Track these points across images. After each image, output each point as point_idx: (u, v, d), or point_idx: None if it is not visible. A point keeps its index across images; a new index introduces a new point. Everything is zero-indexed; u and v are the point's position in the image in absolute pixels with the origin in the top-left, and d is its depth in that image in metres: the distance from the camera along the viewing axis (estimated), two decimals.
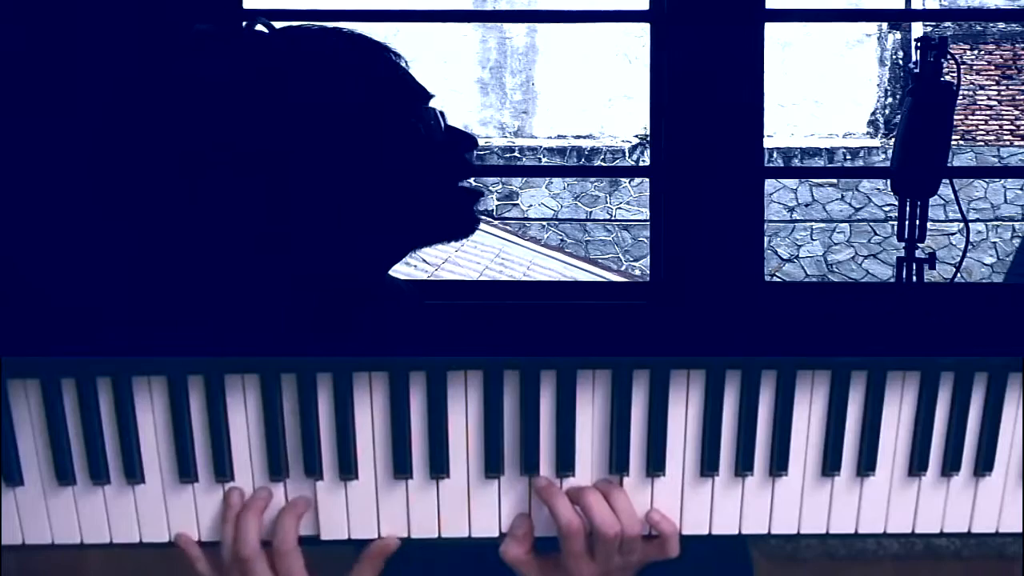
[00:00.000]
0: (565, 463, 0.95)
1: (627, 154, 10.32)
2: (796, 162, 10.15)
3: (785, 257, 10.41)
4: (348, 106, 0.97)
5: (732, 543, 0.99)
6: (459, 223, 1.03)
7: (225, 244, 0.97)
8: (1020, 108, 10.43)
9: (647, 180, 2.16)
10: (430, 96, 1.02)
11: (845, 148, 10.34)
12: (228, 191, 0.95)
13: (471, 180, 1.04)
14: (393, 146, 0.98)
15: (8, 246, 1.85)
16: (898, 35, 10.40)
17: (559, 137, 10.45)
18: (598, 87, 10.32)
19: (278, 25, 1.02)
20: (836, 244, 10.41)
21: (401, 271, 1.10)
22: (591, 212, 10.41)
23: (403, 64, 1.02)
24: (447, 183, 1.02)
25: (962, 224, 9.72)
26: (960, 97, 2.13)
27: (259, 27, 1.00)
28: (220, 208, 0.96)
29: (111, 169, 1.01)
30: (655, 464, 0.96)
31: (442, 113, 1.02)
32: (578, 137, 10.43)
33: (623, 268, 10.18)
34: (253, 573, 0.93)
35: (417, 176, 1.00)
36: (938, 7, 10.48)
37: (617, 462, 0.95)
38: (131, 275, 0.99)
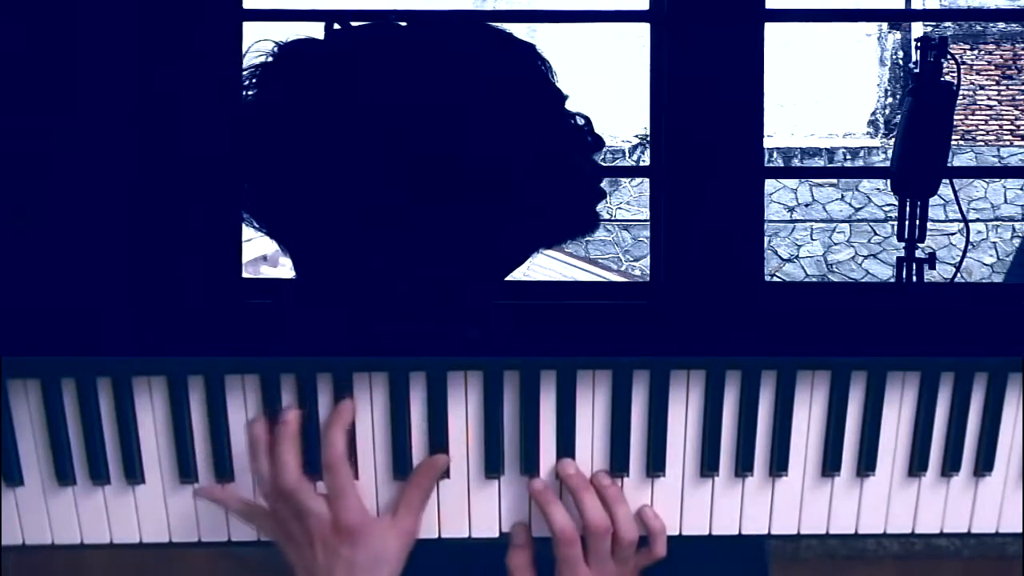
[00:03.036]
0: None
1: (627, 154, 10.31)
2: (796, 162, 10.15)
3: (785, 257, 10.41)
4: (514, 106, 0.96)
5: (748, 545, 0.99)
6: (589, 221, 1.03)
7: (335, 248, 0.96)
8: (1020, 108, 10.43)
9: (647, 180, 2.16)
10: (566, 98, 1.02)
11: (845, 148, 10.34)
12: (341, 196, 0.94)
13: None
14: (557, 148, 0.98)
15: (8, 246, 1.85)
16: (898, 35, 10.40)
17: None
18: (598, 87, 10.33)
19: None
20: (836, 244, 10.41)
21: None
22: None
23: (550, 69, 1.01)
24: (586, 184, 1.02)
25: (962, 224, 9.72)
26: (960, 97, 2.13)
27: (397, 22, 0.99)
28: (319, 208, 0.95)
29: (116, 170, 1.01)
30: (655, 464, 0.96)
31: (589, 118, 1.02)
32: None
33: (623, 268, 10.18)
34: (300, 502, 0.90)
35: (575, 178, 1.00)
36: (938, 7, 10.48)
37: (617, 462, 0.95)
38: (131, 276, 0.99)
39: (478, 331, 1.01)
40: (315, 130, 0.93)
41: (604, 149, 1.05)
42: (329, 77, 0.94)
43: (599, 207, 1.04)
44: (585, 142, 1.02)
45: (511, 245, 1.01)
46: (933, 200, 2.12)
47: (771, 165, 9.61)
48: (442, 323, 0.98)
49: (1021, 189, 10.26)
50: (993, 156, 10.34)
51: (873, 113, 10.49)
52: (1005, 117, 10.42)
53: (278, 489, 0.91)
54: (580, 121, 1.02)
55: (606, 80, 10.36)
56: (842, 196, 10.34)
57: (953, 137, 2.27)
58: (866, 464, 0.97)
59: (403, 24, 0.99)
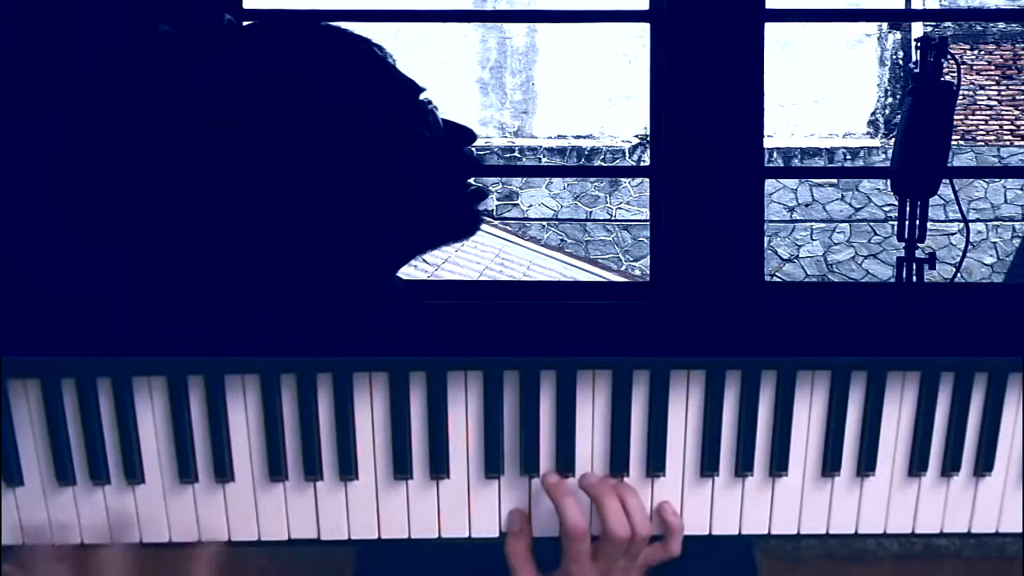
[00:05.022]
0: (565, 463, 0.95)
1: (627, 154, 10.32)
2: (796, 162, 10.15)
3: (785, 257, 10.41)
4: (346, 104, 0.94)
5: (736, 543, 0.99)
6: (464, 223, 1.01)
7: (226, 245, 0.95)
8: (1020, 108, 10.42)
9: (647, 180, 2.16)
10: (421, 89, 1.00)
11: (845, 148, 10.33)
12: (230, 192, 0.93)
13: (474, 178, 1.03)
14: (396, 145, 0.96)
15: (8, 246, 1.85)
16: (898, 35, 10.39)
17: (559, 137, 10.45)
18: (598, 87, 10.32)
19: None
20: (836, 244, 10.41)
21: (402, 271, 1.09)
22: (591, 212, 10.41)
23: (390, 59, 0.99)
24: (452, 181, 1.00)
25: (962, 224, 9.72)
26: (960, 97, 2.13)
27: (230, 21, 0.98)
28: (222, 209, 0.94)
29: (110, 169, 1.00)
30: (655, 464, 0.96)
31: (436, 108, 1.00)
32: (578, 137, 10.43)
33: (623, 268, 10.18)
34: None
35: (423, 175, 0.97)
36: (938, 7, 10.48)
37: (617, 462, 0.95)
38: (131, 275, 0.99)
39: (371, 340, 1.00)
40: (160, 136, 0.93)
41: (476, 144, 1.02)
42: (177, 80, 0.94)
43: (479, 206, 1.02)
44: (450, 137, 0.99)
45: (386, 248, 0.99)
46: (933, 200, 2.12)
47: (771, 165, 9.60)
48: (330, 334, 0.96)
49: (1021, 189, 10.26)
50: (993, 156, 10.33)
51: (873, 113, 10.49)
52: (1005, 117, 10.41)
53: None
54: (439, 117, 0.99)
55: (605, 80, 10.34)
56: (842, 196, 10.33)
57: (953, 137, 2.27)
58: (866, 464, 0.97)
59: (246, 25, 0.98)
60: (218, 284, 0.94)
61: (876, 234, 10.31)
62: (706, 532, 0.97)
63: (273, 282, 0.95)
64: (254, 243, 0.95)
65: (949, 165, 2.08)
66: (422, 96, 0.99)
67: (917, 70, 2.03)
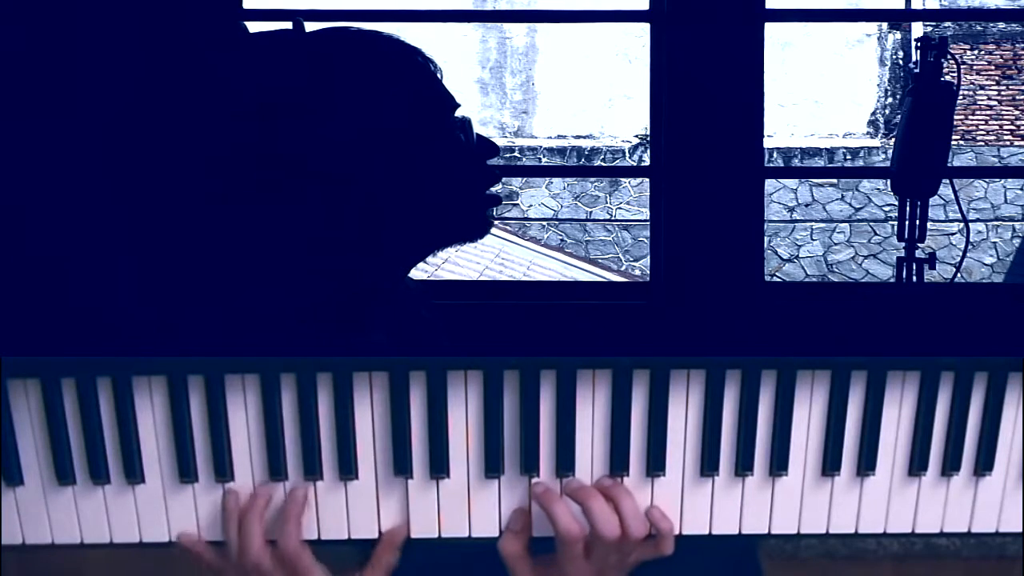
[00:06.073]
0: (565, 463, 0.95)
1: (627, 154, 10.31)
2: (796, 162, 10.15)
3: (785, 257, 10.41)
4: (386, 110, 0.97)
5: (741, 545, 0.99)
6: (477, 226, 1.04)
7: (246, 243, 0.96)
8: (1020, 108, 10.42)
9: (647, 180, 2.16)
10: (458, 104, 1.03)
11: (845, 148, 10.33)
12: (254, 194, 0.95)
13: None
14: (433, 153, 0.99)
15: (9, 246, 1.85)
16: (898, 35, 10.39)
17: (559, 137, 10.45)
18: (598, 87, 10.32)
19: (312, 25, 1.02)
20: (836, 244, 10.41)
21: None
22: (591, 212, 10.41)
23: (439, 72, 1.02)
24: (476, 190, 1.03)
25: (962, 224, 9.72)
26: (960, 97, 2.13)
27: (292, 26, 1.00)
28: (243, 210, 0.95)
29: (114, 170, 1.01)
30: (655, 464, 0.96)
31: (470, 120, 1.03)
32: (578, 137, 10.43)
33: (623, 268, 10.18)
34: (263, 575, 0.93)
35: (451, 179, 1.00)
36: (938, 7, 10.48)
37: (617, 462, 0.95)
38: (138, 276, 0.99)
39: (386, 338, 1.01)
40: (190, 136, 0.95)
41: (498, 154, 1.06)
42: (220, 83, 0.95)
43: (491, 211, 1.05)
44: (481, 150, 1.03)
45: (403, 249, 1.02)
46: (933, 200, 2.12)
47: (771, 165, 9.60)
48: (342, 329, 0.97)
49: (1021, 189, 10.26)
50: (993, 156, 10.33)
51: (873, 113, 10.48)
52: (1005, 117, 10.41)
53: (243, 562, 0.93)
54: (469, 131, 1.03)
55: (605, 80, 10.34)
56: (842, 196, 10.33)
57: (953, 137, 2.27)
58: (866, 464, 0.97)
59: (305, 30, 1.00)
60: (234, 285, 0.95)
61: (876, 234, 10.31)
62: (706, 532, 0.97)
63: (288, 281, 0.95)
64: (274, 242, 0.96)
65: (949, 165, 2.08)
66: (458, 113, 1.03)
67: (917, 70, 2.03)
